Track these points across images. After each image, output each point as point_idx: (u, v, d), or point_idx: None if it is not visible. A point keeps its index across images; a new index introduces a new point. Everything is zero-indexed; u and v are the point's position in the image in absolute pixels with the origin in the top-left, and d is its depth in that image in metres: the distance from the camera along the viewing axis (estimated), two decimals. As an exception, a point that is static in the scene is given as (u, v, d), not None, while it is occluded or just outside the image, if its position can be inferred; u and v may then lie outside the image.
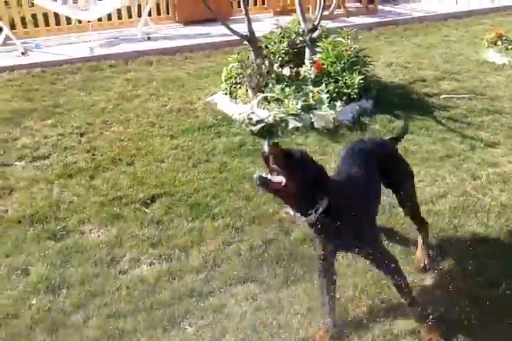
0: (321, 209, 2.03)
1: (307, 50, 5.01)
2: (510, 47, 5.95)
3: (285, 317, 2.40)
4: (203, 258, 2.81)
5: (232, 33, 5.06)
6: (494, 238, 2.91)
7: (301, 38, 5.16)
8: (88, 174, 3.71)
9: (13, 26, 7.49)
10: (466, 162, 3.73)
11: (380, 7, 8.39)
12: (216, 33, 7.61)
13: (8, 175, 3.71)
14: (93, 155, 4.02)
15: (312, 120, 4.30)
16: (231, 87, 5.05)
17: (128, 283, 2.62)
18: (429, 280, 2.63)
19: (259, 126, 4.30)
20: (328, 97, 4.36)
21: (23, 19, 7.65)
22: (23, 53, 6.84)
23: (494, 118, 4.49)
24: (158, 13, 8.34)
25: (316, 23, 5.02)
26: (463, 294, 2.48)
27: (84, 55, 6.70)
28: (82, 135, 4.39)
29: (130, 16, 8.14)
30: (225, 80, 5.10)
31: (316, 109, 4.33)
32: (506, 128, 4.32)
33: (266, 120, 4.34)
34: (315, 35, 4.97)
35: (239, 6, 8.74)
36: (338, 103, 4.34)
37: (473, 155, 3.83)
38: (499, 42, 5.97)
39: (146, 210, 3.27)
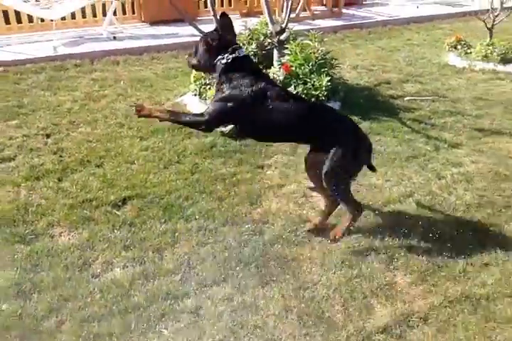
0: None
1: (275, 52, 5.07)
2: (469, 51, 6.21)
3: (260, 317, 2.43)
4: (177, 260, 2.80)
5: (200, 34, 5.06)
6: (459, 236, 3.03)
7: (269, 40, 5.21)
8: (56, 176, 3.62)
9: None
10: (431, 162, 3.88)
11: (344, 10, 8.58)
12: (184, 33, 7.58)
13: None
14: (60, 156, 3.93)
15: (282, 121, 4.35)
16: (200, 87, 5.04)
17: (101, 287, 2.58)
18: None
19: (229, 127, 4.31)
20: (297, 99, 4.42)
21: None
22: (-18, 52, 6.60)
23: (457, 119, 4.68)
24: (124, 13, 8.23)
25: (283, 26, 5.08)
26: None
27: (48, 54, 6.53)
28: (48, 136, 4.28)
29: (95, 15, 8.00)
30: (195, 81, 5.09)
31: (285, 110, 4.38)
32: (468, 129, 4.51)
33: (236, 121, 4.36)
34: (283, 37, 5.03)
35: (205, 7, 8.75)
36: (307, 104, 4.40)
37: (438, 156, 3.98)
38: (459, 47, 6.22)
39: (118, 213, 3.23)
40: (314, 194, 3.43)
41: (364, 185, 3.52)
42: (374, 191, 3.47)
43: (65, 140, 4.22)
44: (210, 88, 5.00)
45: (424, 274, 2.74)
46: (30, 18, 7.69)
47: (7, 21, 7.64)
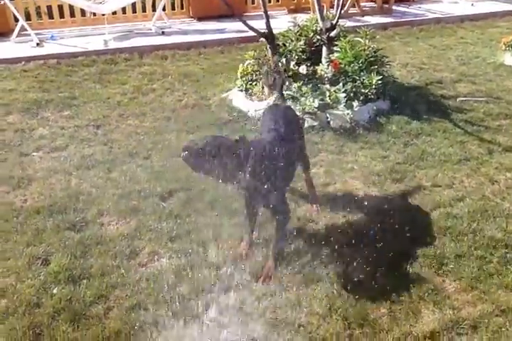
0: None
1: (324, 49, 5.00)
2: (527, 51, 5.92)
3: (304, 315, 2.41)
4: (222, 254, 2.82)
5: (249, 30, 5.06)
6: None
7: (318, 37, 5.15)
8: (106, 166, 3.72)
9: (28, 17, 7.51)
10: (484, 166, 3.72)
11: (394, 7, 8.37)
12: (230, 29, 7.62)
13: (26, 165, 3.73)
14: (110, 147, 4.03)
15: (328, 119, 4.30)
16: (247, 83, 5.05)
17: (148, 276, 2.63)
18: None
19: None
20: (345, 97, 4.36)
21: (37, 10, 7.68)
22: (38, 44, 6.86)
23: (512, 122, 4.48)
24: (173, 8, 8.35)
25: (333, 22, 5.00)
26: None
27: (99, 47, 6.71)
28: (98, 127, 4.40)
29: (144, 10, 8.16)
30: (241, 77, 5.11)
31: (332, 108, 4.33)
32: (524, 132, 4.31)
33: (282, 118, 4.34)
34: (333, 34, 4.95)
35: (252, 3, 8.76)
36: (355, 103, 4.33)
37: (491, 159, 3.82)
38: (516, 46, 5.95)
39: (164, 204, 3.28)
40: (361, 194, 3.37)
41: (413, 187, 3.43)
42: (423, 193, 3.37)
43: (114, 131, 4.32)
44: (256, 84, 5.01)
45: (475, 281, 2.63)
46: (83, 13, 7.93)
47: (61, 15, 7.91)
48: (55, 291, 2.50)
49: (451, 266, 2.71)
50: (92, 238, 2.90)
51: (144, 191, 3.41)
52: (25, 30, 7.02)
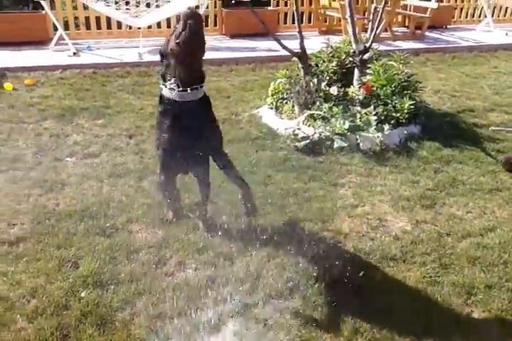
0: None
1: (356, 71, 5.06)
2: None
3: (329, 337, 2.38)
4: (248, 269, 2.82)
5: (280, 49, 5.15)
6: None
7: (350, 59, 5.21)
8: (136, 175, 3.78)
9: (66, 27, 7.77)
10: (516, 197, 3.68)
11: (427, 33, 8.43)
12: (261, 47, 7.76)
13: (59, 170, 3.81)
14: (141, 157, 4.10)
15: (358, 141, 4.32)
16: (277, 101, 5.11)
17: (174, 286, 2.64)
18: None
19: (304, 143, 4.34)
20: (376, 119, 4.38)
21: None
22: (74, 54, 7.07)
23: (544, 155, 4.42)
24: (206, 25, 8.55)
25: (367, 45, 5.07)
26: None
27: (134, 60, 6.89)
28: (130, 137, 4.49)
29: (179, 26, 8.37)
30: (272, 95, 5.18)
31: (363, 130, 4.35)
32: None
33: (311, 137, 4.38)
34: (366, 56, 5.01)
35: (284, 23, 8.93)
36: (386, 126, 4.34)
37: (523, 191, 3.77)
38: (550, 78, 5.92)
39: (191, 215, 3.30)
40: (389, 218, 3.36)
41: (443, 214, 3.40)
42: (453, 221, 3.33)
43: (146, 142, 4.40)
44: (286, 102, 5.07)
45: (505, 313, 2.58)
46: (119, 25, 8.18)
47: (98, 26, 8.17)
48: (83, 294, 2.53)
49: (481, 297, 2.67)
50: (121, 244, 2.94)
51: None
52: (63, 39, 7.25)
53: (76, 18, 8.14)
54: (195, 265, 2.82)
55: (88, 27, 8.14)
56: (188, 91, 2.75)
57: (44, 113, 4.92)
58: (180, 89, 2.72)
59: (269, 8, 8.61)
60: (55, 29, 7.50)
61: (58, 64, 6.48)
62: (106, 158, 4.04)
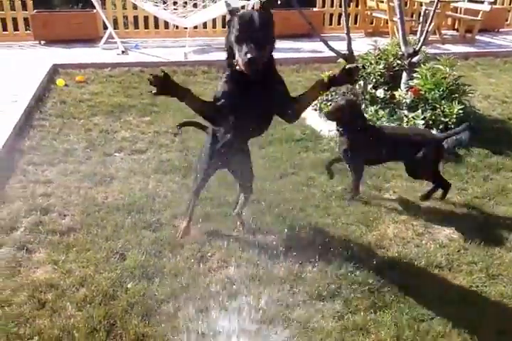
0: None
1: (404, 74, 4.98)
2: None
3: None
4: (288, 270, 2.82)
5: (324, 50, 5.13)
6: None
7: (398, 61, 5.13)
8: (181, 172, 3.85)
9: (115, 26, 8.01)
10: None
11: (477, 37, 8.19)
12: (305, 48, 7.76)
13: (108, 164, 3.94)
14: (186, 155, 4.17)
15: (404, 145, 4.24)
16: (321, 103, 5.09)
17: (216, 282, 2.68)
18: None
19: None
20: (423, 124, 4.29)
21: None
22: (123, 52, 7.29)
23: None
24: (251, 25, 8.61)
25: (416, 48, 4.98)
26: None
27: (180, 59, 7.03)
28: (175, 135, 4.58)
29: (224, 26, 8.47)
30: (316, 96, 5.15)
31: (409, 134, 4.26)
32: None
33: (355, 140, 4.33)
34: (415, 59, 4.93)
35: (330, 24, 8.89)
36: (434, 131, 4.25)
37: None
38: None
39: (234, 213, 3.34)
40: (435, 225, 3.28)
41: (492, 223, 3.29)
42: (503, 230, 3.22)
43: (190, 140, 4.47)
44: (330, 104, 5.03)
45: None
46: (166, 25, 8.36)
47: (146, 26, 8.38)
48: (129, 286, 2.60)
49: (532, 311, 2.57)
50: (166, 239, 3.00)
51: (215, 199, 3.50)
52: (113, 37, 7.49)
53: (125, 17, 8.39)
54: (236, 263, 2.85)
55: (136, 26, 8.36)
56: None
57: (94, 109, 5.09)
58: None
59: (314, 9, 8.59)
60: (105, 28, 7.76)
61: (107, 62, 6.70)
62: (152, 155, 4.14)
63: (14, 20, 7.88)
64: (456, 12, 8.68)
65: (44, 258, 2.81)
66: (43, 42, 7.81)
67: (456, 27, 8.78)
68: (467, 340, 2.37)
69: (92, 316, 2.38)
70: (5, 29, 7.95)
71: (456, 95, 4.52)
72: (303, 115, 5.02)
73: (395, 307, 2.56)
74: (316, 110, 5.06)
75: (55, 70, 6.33)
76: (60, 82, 5.83)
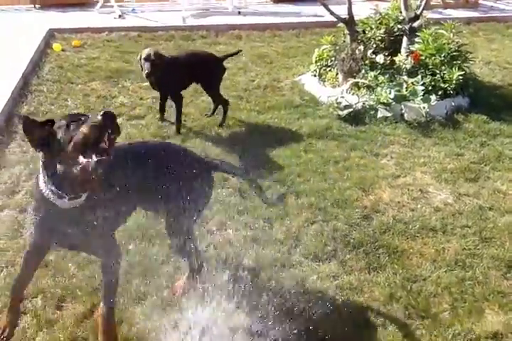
0: None
1: (405, 39, 4.88)
2: None
3: (364, 300, 2.45)
4: (286, 232, 2.88)
5: (325, 15, 5.02)
6: None
7: (399, 26, 5.03)
8: (179, 138, 3.87)
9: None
10: None
11: (480, 1, 7.98)
12: (306, 13, 7.56)
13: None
14: (184, 121, 4.16)
15: (403, 111, 4.23)
16: (321, 69, 5.03)
17: (216, 244, 2.74)
18: None
19: (346, 111, 4.29)
20: (423, 90, 4.26)
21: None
22: (119, 16, 7.12)
23: None
24: (250, -12, 8.38)
25: (418, 13, 4.87)
26: None
27: (178, 23, 6.87)
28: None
29: (224, -10, 8.24)
30: (316, 62, 5.09)
31: (408, 100, 4.25)
32: None
33: (354, 106, 4.32)
34: (416, 24, 4.82)
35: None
36: (433, 97, 4.22)
37: None
38: None
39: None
40: (431, 190, 3.33)
41: (487, 188, 3.34)
42: (496, 196, 3.27)
43: (189, 106, 4.45)
44: (330, 70, 4.98)
45: (545, 288, 2.56)
46: (164, -12, 8.12)
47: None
48: (131, 247, 2.66)
49: (520, 271, 2.65)
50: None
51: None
52: (109, 1, 7.29)
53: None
54: (235, 226, 2.91)
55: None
56: None
57: (91, 74, 5.04)
58: None
59: (316, -29, 8.31)
60: (100, -9, 7.53)
61: (104, 26, 6.56)
62: (150, 120, 4.14)
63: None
64: (461, -25, 8.41)
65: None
66: (38, 6, 7.61)
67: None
68: (458, 300, 2.46)
69: (94, 276, 2.46)
70: (-1, -8, 7.73)
71: (458, 62, 4.45)
72: (302, 81, 5.08)
73: (388, 268, 2.64)
74: (315, 76, 5.01)
75: (51, 35, 6.21)
76: (56, 46, 5.73)
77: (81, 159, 1.66)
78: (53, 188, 1.78)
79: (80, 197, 1.81)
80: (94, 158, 1.65)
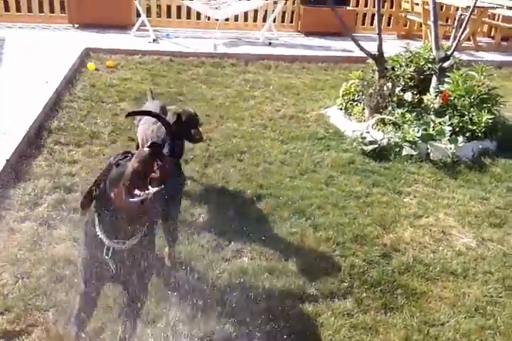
0: None
1: (434, 79, 4.90)
2: None
3: (380, 341, 2.36)
4: (303, 265, 2.83)
5: (354, 50, 5.08)
6: None
7: (429, 65, 5.06)
8: (202, 162, 3.89)
9: (148, 14, 8.06)
10: None
11: (513, 45, 8.03)
12: (336, 47, 7.70)
13: (131, 149, 3.98)
14: (208, 145, 4.20)
15: (429, 150, 4.19)
16: (347, 103, 5.06)
17: (230, 271, 2.70)
18: None
19: (371, 147, 4.27)
20: (450, 130, 4.23)
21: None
22: (154, 40, 7.34)
23: None
24: (282, 21, 8.60)
25: (449, 53, 4.90)
26: None
27: (209, 50, 7.05)
28: (200, 125, 4.59)
29: (255, 20, 8.47)
30: (343, 95, 5.13)
31: (435, 140, 4.22)
32: None
33: (379, 142, 4.30)
34: (446, 64, 4.85)
35: (362, 24, 8.80)
36: (461, 138, 4.18)
37: None
38: None
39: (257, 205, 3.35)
40: (454, 232, 3.25)
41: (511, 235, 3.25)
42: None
43: (213, 131, 4.50)
44: (357, 104, 5.01)
45: None
46: (198, 16, 8.39)
47: (178, 16, 8.43)
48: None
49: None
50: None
51: (234, 191, 3.52)
52: (145, 25, 7.55)
53: (158, 5, 8.43)
54: (250, 254, 2.87)
55: (169, 15, 8.41)
56: None
57: (122, 94, 5.16)
58: None
59: (347, 7, 8.52)
60: (138, 15, 7.81)
61: (138, 49, 6.76)
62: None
63: (51, 2, 8.00)
64: (494, 19, 8.51)
65: (64, 234, 2.88)
66: (76, 25, 7.92)
67: (492, 34, 8.60)
68: (477, 349, 2.36)
69: (108, 294, 2.43)
70: (41, 11, 8.08)
71: (487, 105, 4.43)
72: (328, 113, 5.11)
73: (406, 310, 2.56)
74: (341, 110, 5.04)
75: (87, 54, 6.42)
76: (91, 65, 5.91)
77: (137, 192, 1.59)
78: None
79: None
80: (152, 190, 1.58)
